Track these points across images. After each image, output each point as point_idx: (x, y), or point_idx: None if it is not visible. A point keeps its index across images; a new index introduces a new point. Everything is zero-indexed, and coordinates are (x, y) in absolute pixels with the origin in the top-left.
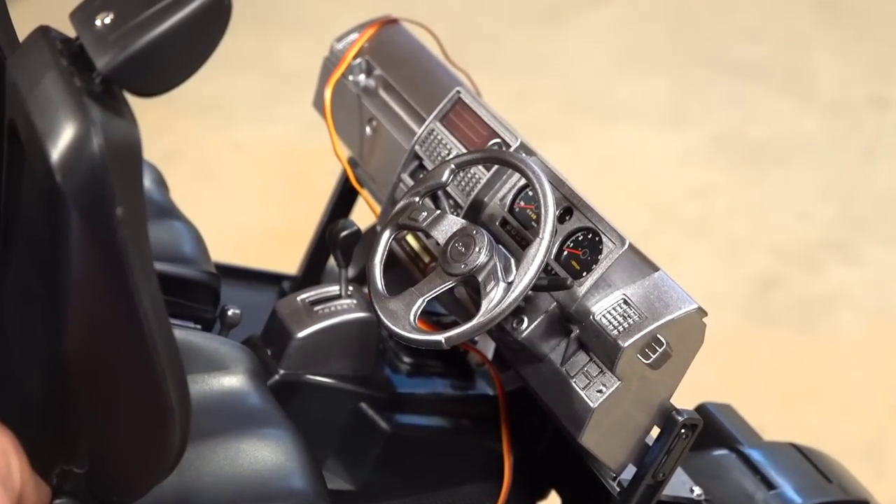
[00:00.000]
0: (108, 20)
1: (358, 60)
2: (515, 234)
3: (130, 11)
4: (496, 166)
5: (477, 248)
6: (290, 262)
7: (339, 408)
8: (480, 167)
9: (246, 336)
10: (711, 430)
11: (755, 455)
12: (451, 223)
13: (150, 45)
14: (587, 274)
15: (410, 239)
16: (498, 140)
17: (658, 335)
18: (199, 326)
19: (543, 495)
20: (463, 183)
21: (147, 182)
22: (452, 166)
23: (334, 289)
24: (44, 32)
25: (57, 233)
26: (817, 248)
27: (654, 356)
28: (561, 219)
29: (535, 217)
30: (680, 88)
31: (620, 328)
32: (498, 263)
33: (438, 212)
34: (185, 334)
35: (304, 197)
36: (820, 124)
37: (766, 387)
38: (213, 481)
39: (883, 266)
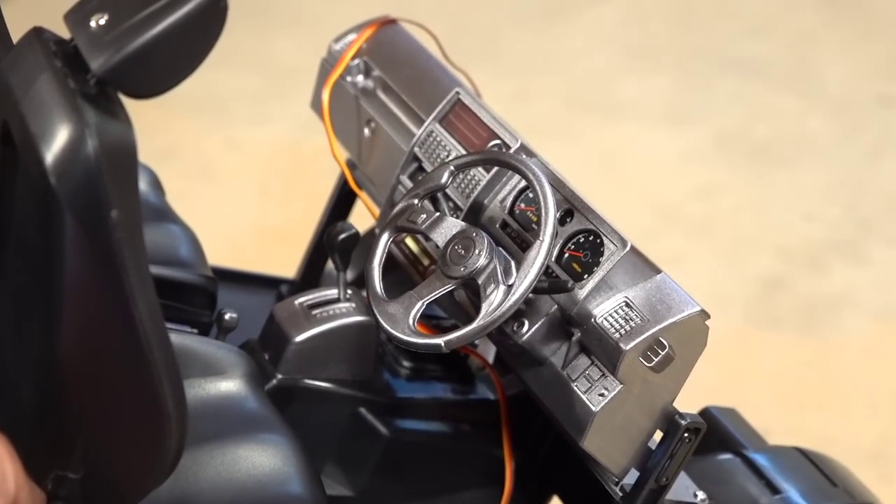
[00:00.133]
0: (102, 21)
1: (356, 61)
2: (516, 236)
3: (125, 13)
4: (496, 168)
5: (477, 251)
6: (287, 263)
7: (337, 413)
8: (480, 169)
9: (243, 340)
10: (715, 435)
11: (760, 459)
12: (451, 225)
13: (145, 46)
14: (588, 276)
15: (410, 242)
16: (498, 141)
17: (660, 338)
18: (195, 331)
19: (545, 501)
20: (462, 185)
21: (142, 185)
22: (452, 168)
23: (333, 292)
24: (38, 34)
25: (51, 236)
26: (823, 249)
27: (656, 359)
28: (562, 221)
29: (535, 219)
30: (683, 86)
31: (622, 331)
32: (498, 266)
33: (437, 214)
34: (182, 338)
35: (303, 197)
36: (825, 123)
37: (771, 390)
38: (210, 487)
39: (890, 267)
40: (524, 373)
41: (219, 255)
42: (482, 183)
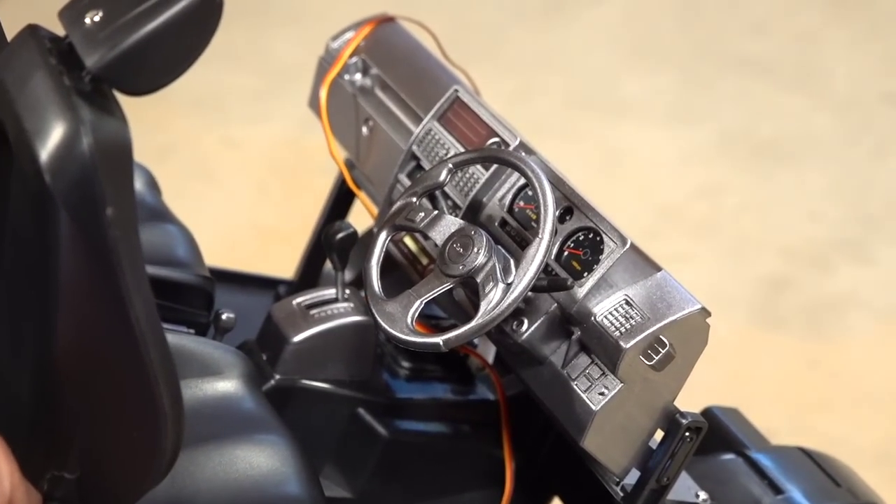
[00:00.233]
0: (97, 18)
1: (354, 59)
2: (515, 234)
3: (120, 9)
4: (495, 166)
5: (475, 249)
6: (286, 263)
7: (336, 413)
8: (479, 167)
9: (241, 341)
10: (717, 435)
11: (762, 459)
12: (449, 224)
13: (141, 42)
14: (588, 274)
15: (408, 241)
16: (497, 139)
17: (661, 336)
18: (192, 331)
19: (546, 502)
20: (461, 183)
21: (139, 184)
22: (450, 166)
23: (331, 292)
24: (32, 31)
25: (46, 234)
26: (828, 249)
27: (656, 358)
28: (561, 218)
29: (534, 217)
30: (686, 84)
31: (622, 329)
32: (497, 264)
33: (436, 212)
34: (178, 339)
35: (301, 196)
36: (831, 121)
37: (775, 391)
38: (208, 487)
39: None
40: (524, 372)
41: (216, 255)
42: (481, 181)
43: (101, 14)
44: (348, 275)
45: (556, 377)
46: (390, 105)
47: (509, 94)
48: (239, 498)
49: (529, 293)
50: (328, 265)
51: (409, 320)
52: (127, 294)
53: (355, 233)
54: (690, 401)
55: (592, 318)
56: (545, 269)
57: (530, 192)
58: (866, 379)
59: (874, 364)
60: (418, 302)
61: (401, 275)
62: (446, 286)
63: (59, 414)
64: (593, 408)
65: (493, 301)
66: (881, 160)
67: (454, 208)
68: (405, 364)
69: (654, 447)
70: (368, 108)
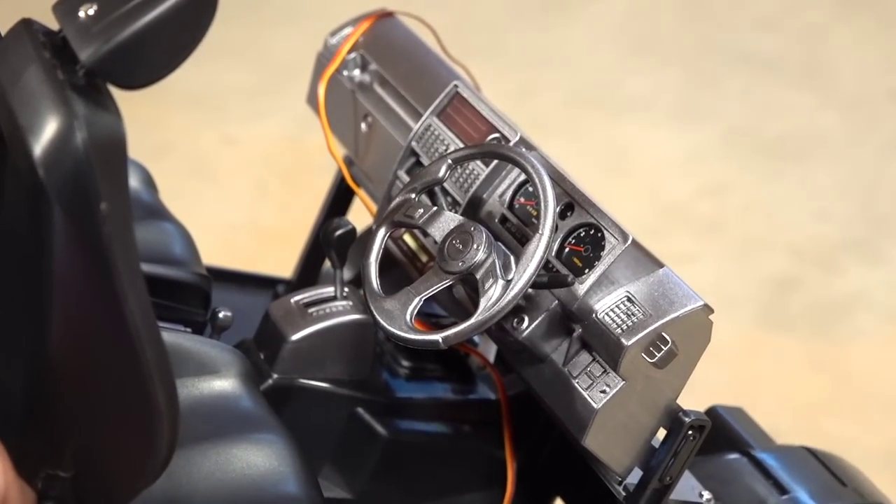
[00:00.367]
0: (91, 11)
1: (352, 55)
2: (515, 231)
3: (114, 3)
4: (495, 162)
5: (475, 245)
6: (284, 262)
7: (335, 413)
8: (479, 163)
9: (238, 340)
10: (722, 434)
11: (767, 459)
12: (449, 220)
13: (135, 36)
14: (589, 271)
15: (408, 238)
16: (497, 135)
17: (663, 333)
18: (189, 330)
19: (548, 503)
20: (461, 179)
21: (135, 182)
22: (449, 161)
23: (329, 290)
24: (26, 25)
25: (40, 230)
26: (835, 248)
27: (659, 355)
28: (562, 215)
29: (535, 213)
30: (691, 81)
31: (624, 326)
32: (496, 260)
33: (435, 208)
34: (174, 337)
35: (300, 195)
36: (838, 119)
37: (782, 393)
38: (205, 486)
39: None
40: (524, 370)
41: (214, 254)
42: (481, 177)
43: (95, 8)
44: (348, 274)
45: (556, 375)
46: (389, 101)
47: (511, 91)
48: (236, 497)
49: (530, 290)
50: (328, 265)
51: (407, 317)
52: (121, 290)
53: (354, 229)
54: (695, 402)
55: (593, 315)
56: (546, 266)
57: (531, 189)
58: (874, 380)
59: (882, 365)
60: (417, 299)
61: (401, 273)
62: (445, 283)
63: (54, 412)
64: (595, 406)
65: (493, 298)
66: (889, 158)
67: (454, 205)
68: (405, 363)
69: (657, 446)
70: (367, 105)
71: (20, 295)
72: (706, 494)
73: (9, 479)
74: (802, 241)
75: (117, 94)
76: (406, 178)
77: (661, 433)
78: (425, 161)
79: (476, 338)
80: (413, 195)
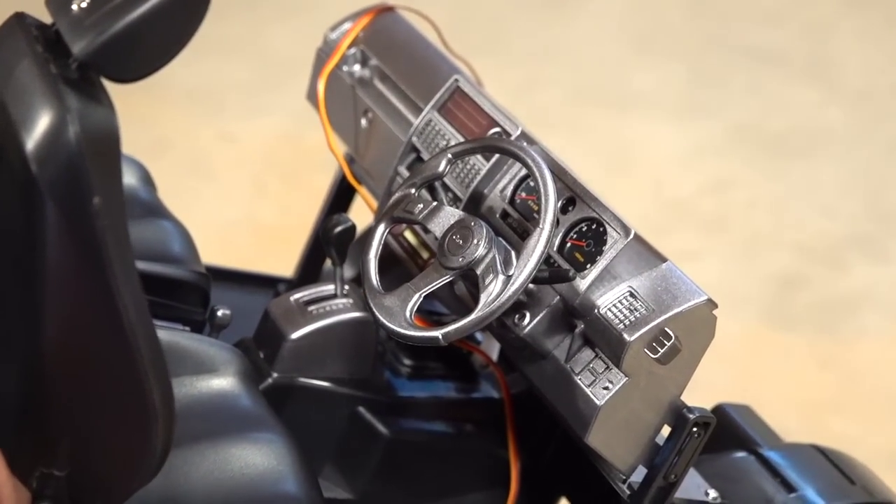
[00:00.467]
0: (84, 4)
1: (352, 50)
2: (516, 226)
3: None
4: (496, 156)
5: (475, 241)
6: (284, 261)
7: (335, 412)
8: (480, 157)
9: (238, 339)
10: (728, 432)
11: (774, 457)
12: (449, 215)
13: (128, 29)
14: (591, 266)
15: (408, 234)
16: (498, 129)
17: (666, 328)
18: (187, 328)
19: (552, 503)
20: (462, 174)
21: (133, 180)
22: (449, 156)
23: (329, 288)
24: (19, 19)
25: (33, 225)
26: (842, 246)
27: (662, 350)
28: (563, 209)
29: (536, 208)
30: (696, 76)
31: (626, 321)
32: (497, 256)
33: (435, 203)
34: (172, 335)
35: (300, 192)
36: (844, 114)
37: (788, 391)
38: (202, 486)
39: None
40: (526, 367)
41: (213, 252)
42: (482, 172)
43: (87, 1)
44: (349, 272)
45: (559, 372)
46: (389, 96)
47: (514, 87)
48: (234, 497)
49: (531, 285)
50: (328, 263)
51: (407, 314)
52: (115, 285)
53: (353, 226)
54: (700, 400)
55: (596, 311)
56: (547, 261)
57: (532, 183)
58: (881, 379)
59: (889, 364)
60: (417, 295)
61: (402, 271)
62: (445, 279)
63: (47, 411)
64: (598, 402)
65: (494, 293)
66: None
67: (454, 200)
68: (407, 361)
69: (661, 443)
70: (367, 100)
71: (13, 292)
72: (712, 493)
73: (2, 477)
74: (808, 238)
75: (116, 92)
76: (406, 174)
77: (666, 430)
78: (426, 156)
79: (479, 335)
80: (413, 190)
